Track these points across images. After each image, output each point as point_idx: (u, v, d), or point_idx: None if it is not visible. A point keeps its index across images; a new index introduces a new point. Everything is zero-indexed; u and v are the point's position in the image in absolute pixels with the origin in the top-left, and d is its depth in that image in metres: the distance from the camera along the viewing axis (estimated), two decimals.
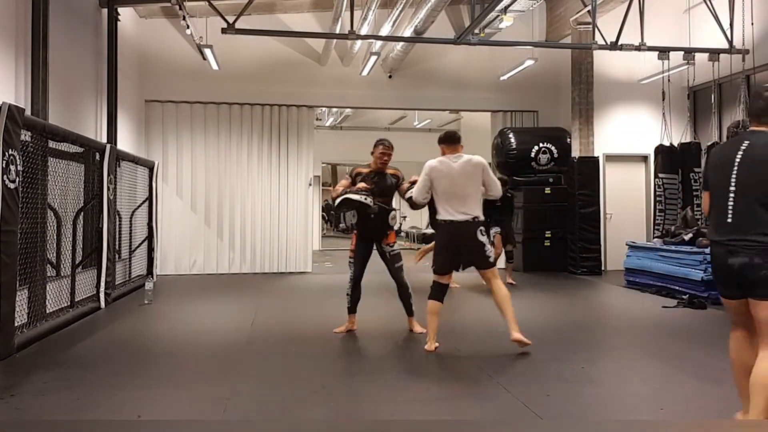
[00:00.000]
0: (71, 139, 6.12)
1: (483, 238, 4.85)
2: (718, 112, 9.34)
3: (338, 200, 5.38)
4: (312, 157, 11.21)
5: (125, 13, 9.00)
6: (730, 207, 2.94)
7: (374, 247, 5.59)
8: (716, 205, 3.02)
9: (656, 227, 9.51)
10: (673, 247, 7.90)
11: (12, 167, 4.62)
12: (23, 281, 5.05)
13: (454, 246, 4.84)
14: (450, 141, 5.00)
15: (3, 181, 4.48)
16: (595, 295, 8.46)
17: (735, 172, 2.94)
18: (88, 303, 6.58)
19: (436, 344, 4.90)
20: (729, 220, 2.93)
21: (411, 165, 12.88)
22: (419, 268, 7.90)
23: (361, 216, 5.39)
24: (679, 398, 3.82)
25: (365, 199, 5.30)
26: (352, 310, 5.66)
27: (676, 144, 9.51)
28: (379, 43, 9.59)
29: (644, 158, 10.87)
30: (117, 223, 7.62)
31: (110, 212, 7.05)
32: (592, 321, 6.68)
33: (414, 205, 5.22)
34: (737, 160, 2.94)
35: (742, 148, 2.97)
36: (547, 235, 10.55)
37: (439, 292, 4.93)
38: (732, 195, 2.94)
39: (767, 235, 2.82)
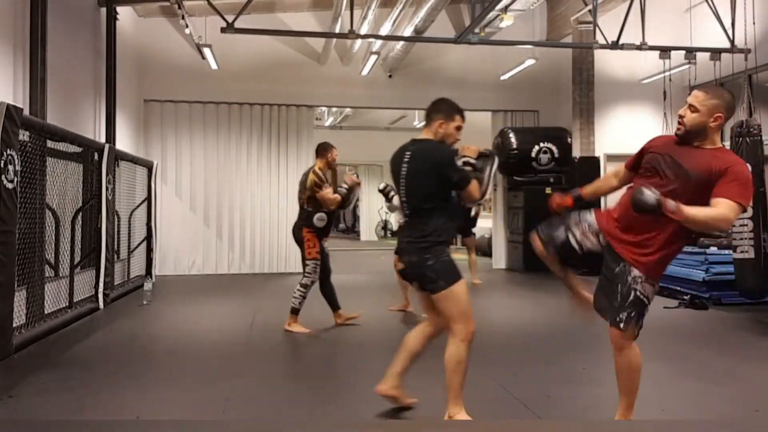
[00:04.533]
0: (70, 139, 6.10)
1: None
2: None
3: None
4: (312, 157, 11.18)
5: (124, 13, 8.98)
6: (406, 212, 3.34)
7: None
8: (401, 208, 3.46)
9: None
10: None
11: (10, 167, 4.60)
12: (21, 282, 5.02)
13: None
14: None
15: (1, 181, 4.47)
16: None
17: (402, 183, 3.30)
18: (87, 303, 6.56)
19: None
20: (405, 222, 3.39)
21: None
22: None
23: (331, 216, 5.70)
24: (680, 399, 3.80)
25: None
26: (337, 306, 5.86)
27: None
28: (379, 42, 9.57)
29: None
30: (116, 223, 7.59)
31: (109, 212, 7.02)
32: (593, 321, 6.65)
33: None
34: (403, 172, 3.29)
35: (405, 159, 3.30)
36: None
37: None
38: (405, 202, 3.32)
39: (420, 236, 3.21)
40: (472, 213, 8.83)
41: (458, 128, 3.32)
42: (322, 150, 5.82)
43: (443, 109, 3.34)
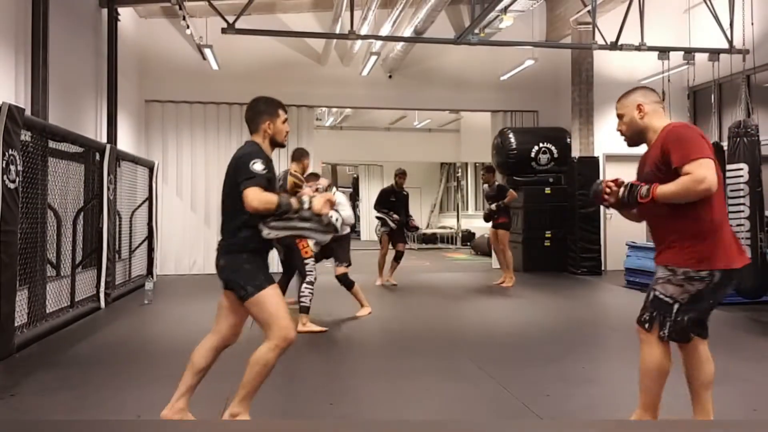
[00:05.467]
0: (71, 139, 6.13)
1: None
2: (718, 112, 9.33)
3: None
4: (312, 157, 11.20)
5: (125, 13, 9.00)
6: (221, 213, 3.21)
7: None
8: None
9: None
10: None
11: (12, 167, 4.62)
12: (23, 281, 5.05)
13: None
14: None
15: (3, 181, 4.48)
16: (595, 296, 8.45)
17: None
18: (88, 303, 6.58)
19: None
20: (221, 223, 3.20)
21: (411, 165, 12.87)
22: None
23: None
24: (679, 398, 3.81)
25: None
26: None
27: None
28: (379, 43, 9.59)
29: None
30: (117, 223, 7.62)
31: (110, 212, 7.04)
32: (592, 321, 6.68)
33: None
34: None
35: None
36: (547, 235, 10.54)
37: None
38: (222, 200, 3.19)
39: (229, 241, 3.11)
40: (493, 206, 8.70)
41: (285, 121, 3.23)
42: (300, 156, 6.03)
43: (263, 109, 3.21)
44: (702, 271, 2.74)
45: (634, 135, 3.00)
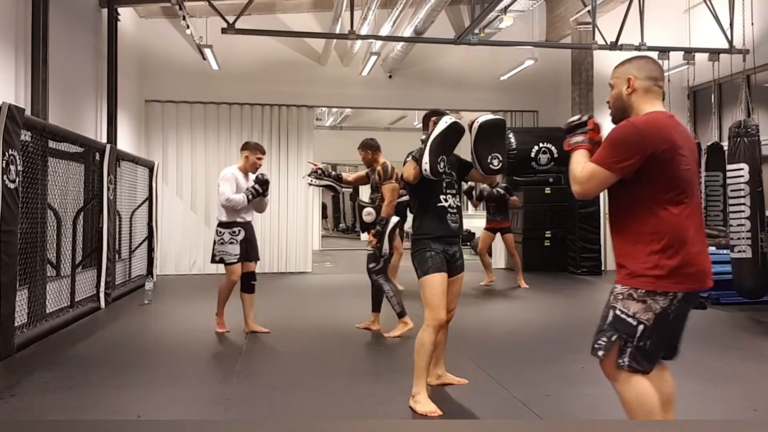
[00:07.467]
0: (71, 139, 6.13)
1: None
2: (718, 112, 9.33)
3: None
4: (312, 157, 11.21)
5: (125, 13, 9.00)
6: None
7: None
8: None
9: None
10: None
11: (12, 167, 4.62)
12: (23, 281, 5.05)
13: None
14: None
15: (3, 181, 4.49)
16: (595, 295, 8.44)
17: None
18: (88, 303, 6.58)
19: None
20: None
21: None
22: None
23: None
24: (679, 398, 3.81)
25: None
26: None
27: None
28: (379, 43, 9.60)
29: None
30: (117, 223, 7.62)
31: (110, 212, 7.05)
32: (592, 321, 6.65)
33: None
34: None
35: None
36: (547, 235, 10.55)
37: None
38: None
39: (412, 230, 3.74)
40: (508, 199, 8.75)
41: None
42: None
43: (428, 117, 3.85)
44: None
45: (617, 112, 2.51)
